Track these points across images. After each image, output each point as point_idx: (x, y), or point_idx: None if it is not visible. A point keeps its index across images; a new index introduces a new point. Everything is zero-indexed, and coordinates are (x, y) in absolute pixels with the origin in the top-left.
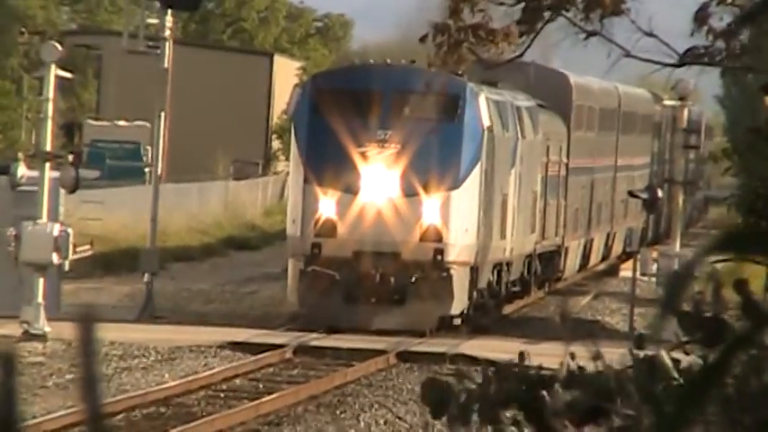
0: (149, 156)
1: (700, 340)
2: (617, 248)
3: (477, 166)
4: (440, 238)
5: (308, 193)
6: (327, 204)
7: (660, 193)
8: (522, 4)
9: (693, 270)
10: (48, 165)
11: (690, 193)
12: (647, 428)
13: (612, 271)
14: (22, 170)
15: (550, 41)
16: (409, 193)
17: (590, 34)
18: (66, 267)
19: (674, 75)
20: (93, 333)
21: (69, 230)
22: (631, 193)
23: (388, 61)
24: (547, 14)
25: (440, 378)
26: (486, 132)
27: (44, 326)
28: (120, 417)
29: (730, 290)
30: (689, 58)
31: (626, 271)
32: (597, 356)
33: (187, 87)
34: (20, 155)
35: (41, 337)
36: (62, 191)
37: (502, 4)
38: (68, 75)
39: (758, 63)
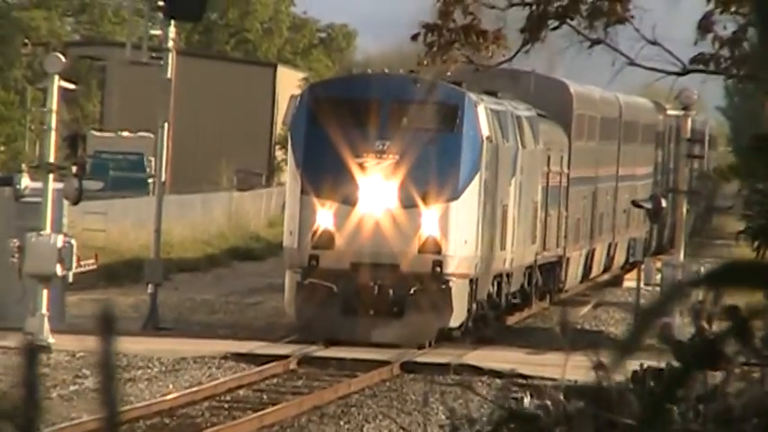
0: (152, 166)
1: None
2: (619, 259)
3: (477, 177)
4: (439, 250)
5: (306, 205)
6: (325, 216)
7: (664, 203)
8: (519, 9)
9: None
10: (51, 176)
11: (694, 203)
12: None
13: (616, 281)
14: (25, 181)
15: (555, 50)
16: (408, 204)
17: (594, 42)
18: (70, 279)
19: (678, 84)
20: (113, 335)
21: (73, 242)
22: (635, 203)
23: (387, 71)
24: (551, 23)
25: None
26: (485, 142)
27: (48, 337)
28: (124, 428)
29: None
30: (693, 65)
31: (630, 281)
32: (598, 366)
33: (190, 98)
34: (23, 166)
35: (45, 349)
36: (66, 202)
37: (493, 7)
38: (72, 86)
39: (761, 71)
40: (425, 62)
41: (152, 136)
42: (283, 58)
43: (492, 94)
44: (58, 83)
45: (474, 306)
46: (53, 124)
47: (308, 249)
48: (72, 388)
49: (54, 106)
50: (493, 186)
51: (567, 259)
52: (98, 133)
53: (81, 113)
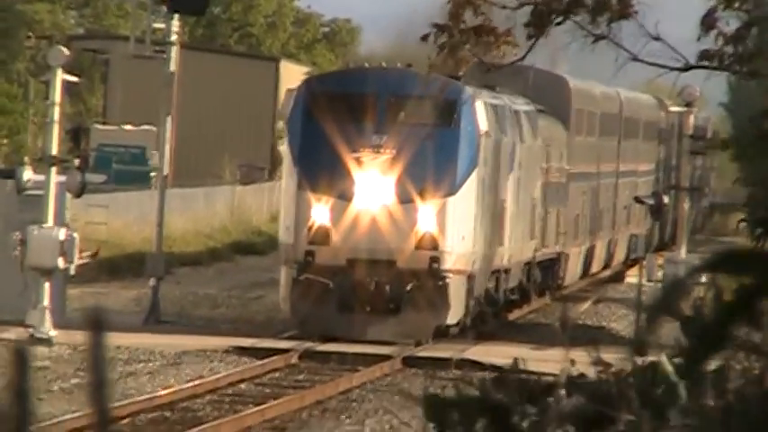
0: (155, 160)
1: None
2: (619, 255)
3: (474, 172)
4: (436, 246)
5: (302, 200)
6: (321, 211)
7: (666, 200)
8: (529, 8)
9: (683, 286)
10: (54, 169)
11: (696, 200)
12: None
13: (618, 277)
14: (28, 174)
15: (558, 45)
16: (404, 199)
17: (598, 38)
18: (72, 272)
19: (681, 80)
20: (103, 335)
21: (75, 235)
22: (637, 199)
23: (384, 64)
24: (555, 18)
25: (439, 394)
26: (483, 137)
27: (50, 330)
28: (125, 421)
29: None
30: (697, 61)
31: (632, 277)
32: (598, 362)
33: (194, 92)
34: (26, 159)
35: (47, 342)
36: (68, 195)
37: (505, 7)
38: (75, 79)
39: (764, 67)
40: (437, 63)
41: (155, 129)
42: (287, 53)
43: (490, 88)
44: (61, 76)
45: (471, 303)
46: (56, 117)
47: (304, 245)
48: (73, 381)
49: (57, 99)
50: (491, 182)
51: (567, 256)
52: (101, 126)
53: (84, 106)
